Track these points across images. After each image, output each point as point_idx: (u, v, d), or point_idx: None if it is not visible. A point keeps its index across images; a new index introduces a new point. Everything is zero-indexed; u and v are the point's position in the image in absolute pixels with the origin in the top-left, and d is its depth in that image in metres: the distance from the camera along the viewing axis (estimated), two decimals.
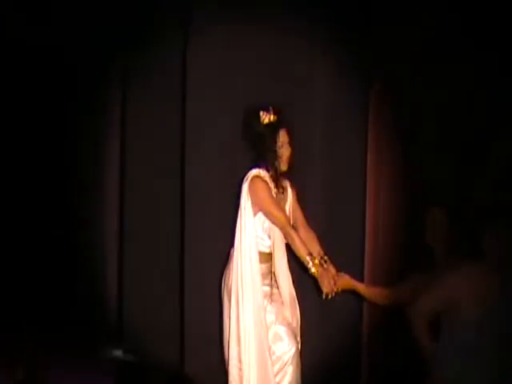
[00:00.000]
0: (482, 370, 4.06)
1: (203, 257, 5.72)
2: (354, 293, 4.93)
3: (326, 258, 4.58)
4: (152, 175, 6.03)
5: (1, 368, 5.66)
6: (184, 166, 5.81)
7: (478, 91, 5.39)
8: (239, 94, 5.67)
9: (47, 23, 6.28)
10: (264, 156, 4.62)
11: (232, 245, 4.66)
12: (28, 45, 6.42)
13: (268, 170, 4.62)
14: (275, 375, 4.56)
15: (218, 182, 5.65)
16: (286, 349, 4.58)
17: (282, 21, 5.62)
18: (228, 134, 5.56)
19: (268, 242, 4.66)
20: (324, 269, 4.49)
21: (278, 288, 4.71)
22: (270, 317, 4.62)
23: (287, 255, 4.74)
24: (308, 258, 4.43)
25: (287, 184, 4.76)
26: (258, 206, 4.56)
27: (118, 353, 6.15)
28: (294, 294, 4.75)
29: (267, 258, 4.67)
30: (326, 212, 5.72)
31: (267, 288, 4.66)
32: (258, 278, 4.55)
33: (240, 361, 4.53)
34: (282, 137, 4.62)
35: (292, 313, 4.73)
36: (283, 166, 4.65)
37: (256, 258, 4.56)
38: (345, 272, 4.76)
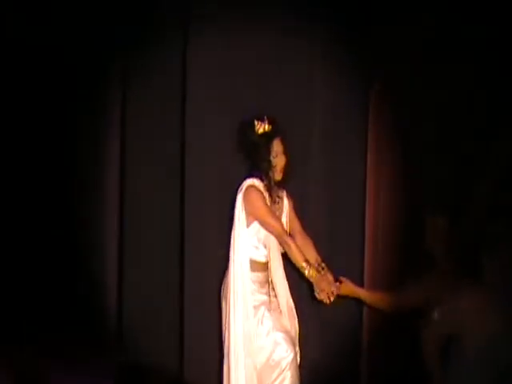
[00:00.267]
0: None
1: (203, 257, 5.72)
2: (354, 298, 4.92)
3: (323, 264, 4.59)
4: (152, 175, 6.03)
5: (1, 368, 5.69)
6: (184, 166, 5.81)
7: (478, 91, 5.39)
8: (239, 94, 5.67)
9: (47, 23, 6.27)
10: (258, 166, 4.62)
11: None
12: (28, 45, 6.40)
13: (262, 180, 4.61)
14: (273, 381, 4.56)
15: (218, 182, 5.65)
16: (284, 354, 4.58)
17: (282, 21, 5.62)
18: (228, 134, 5.56)
19: (264, 252, 4.67)
20: (321, 275, 4.50)
21: (275, 297, 4.71)
22: (268, 324, 4.62)
23: (284, 264, 4.74)
24: (304, 265, 4.45)
25: (283, 194, 4.77)
26: (253, 216, 4.57)
27: (118, 358, 6.15)
28: (292, 303, 4.76)
29: (264, 267, 4.68)
30: (325, 212, 5.72)
31: (265, 297, 4.67)
32: (248, 288, 4.56)
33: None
34: (276, 146, 4.62)
35: (290, 322, 4.73)
36: (277, 176, 4.66)
37: (247, 268, 4.58)
38: (345, 274, 4.76)
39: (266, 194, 4.62)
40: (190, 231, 5.81)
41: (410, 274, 4.93)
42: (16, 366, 5.73)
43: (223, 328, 4.68)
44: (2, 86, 6.43)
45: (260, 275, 4.66)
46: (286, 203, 4.77)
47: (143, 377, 5.73)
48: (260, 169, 4.62)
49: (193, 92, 5.79)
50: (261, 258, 4.67)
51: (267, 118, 4.61)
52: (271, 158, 4.60)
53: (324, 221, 5.68)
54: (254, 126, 4.60)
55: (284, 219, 4.75)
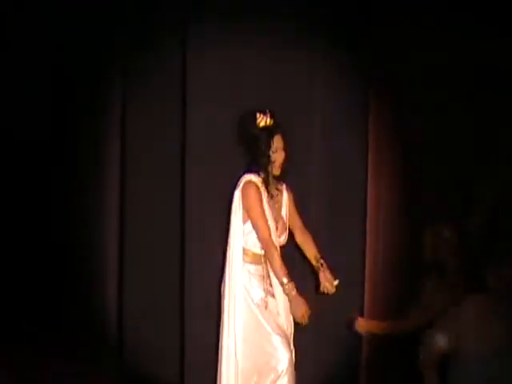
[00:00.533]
0: None
1: (204, 258, 5.71)
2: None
3: (321, 261, 4.59)
4: (152, 175, 6.03)
5: (1, 368, 5.70)
6: (184, 166, 5.81)
7: (478, 91, 5.39)
8: (239, 94, 5.67)
9: (47, 23, 6.27)
10: (257, 160, 4.61)
11: None
12: (28, 44, 6.40)
13: (260, 175, 4.60)
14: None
15: (218, 182, 5.64)
16: (281, 358, 4.55)
17: (282, 21, 5.61)
18: (228, 134, 5.56)
19: (260, 244, 4.65)
20: (321, 271, 4.50)
21: (273, 296, 4.70)
22: (265, 325, 4.60)
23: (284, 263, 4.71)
24: (285, 280, 4.45)
25: (282, 187, 4.76)
26: (247, 212, 4.56)
27: (118, 369, 6.15)
28: (288, 301, 4.73)
29: (263, 259, 4.65)
30: (326, 213, 5.72)
31: (263, 294, 4.65)
32: (245, 283, 4.55)
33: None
34: (277, 142, 4.61)
35: (286, 320, 4.71)
36: (275, 171, 4.65)
37: (240, 265, 4.57)
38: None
39: (264, 190, 4.61)
40: (191, 232, 5.80)
41: (411, 278, 4.92)
42: (16, 366, 5.76)
43: (220, 328, 4.67)
44: (1, 85, 6.43)
45: (259, 268, 4.64)
46: (285, 196, 4.77)
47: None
48: (259, 163, 4.61)
49: (193, 92, 5.78)
50: (258, 249, 4.65)
51: (269, 111, 4.60)
52: (271, 153, 4.60)
53: (324, 221, 5.67)
54: (255, 118, 4.60)
55: (283, 212, 4.74)
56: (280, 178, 4.73)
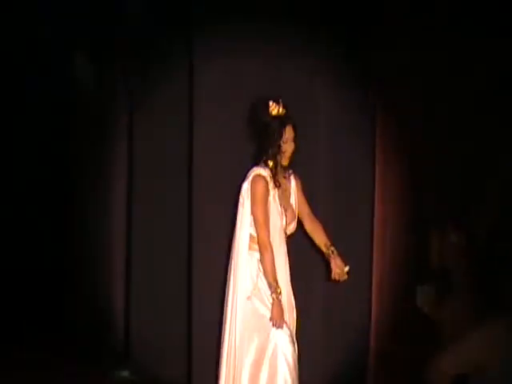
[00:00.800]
0: None
1: (211, 259, 5.68)
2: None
3: (332, 248, 4.56)
4: (159, 177, 6.04)
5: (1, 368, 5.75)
6: (191, 168, 5.81)
7: (484, 102, 5.36)
8: (243, 95, 5.66)
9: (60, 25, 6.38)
10: (266, 149, 4.59)
11: None
12: (33, 47, 6.49)
13: (268, 165, 4.59)
14: (272, 379, 4.52)
15: (225, 184, 5.63)
16: (286, 351, 4.52)
17: (282, 21, 5.62)
18: (234, 137, 5.56)
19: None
20: (332, 258, 4.50)
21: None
22: (268, 320, 4.58)
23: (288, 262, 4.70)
24: (274, 284, 4.43)
25: (290, 175, 4.74)
26: (251, 207, 4.55)
27: (125, 373, 6.17)
28: (292, 295, 4.70)
29: None
30: (334, 225, 5.65)
31: (266, 287, 4.63)
32: (246, 273, 4.53)
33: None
34: (288, 133, 4.58)
35: (289, 314, 4.68)
36: (284, 162, 4.61)
37: (246, 255, 4.55)
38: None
39: (271, 183, 4.60)
40: (198, 232, 5.78)
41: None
42: (16, 366, 5.81)
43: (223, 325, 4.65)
44: (10, 90, 6.53)
45: None
46: (293, 184, 4.72)
47: None
48: (268, 152, 4.58)
49: (200, 92, 5.78)
50: None
51: (282, 101, 4.60)
52: (282, 143, 4.59)
53: (332, 233, 5.64)
54: (268, 106, 4.58)
55: (292, 200, 4.72)
56: (287, 167, 4.72)
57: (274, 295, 4.44)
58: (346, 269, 4.52)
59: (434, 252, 4.93)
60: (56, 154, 6.76)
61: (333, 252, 4.53)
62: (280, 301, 4.44)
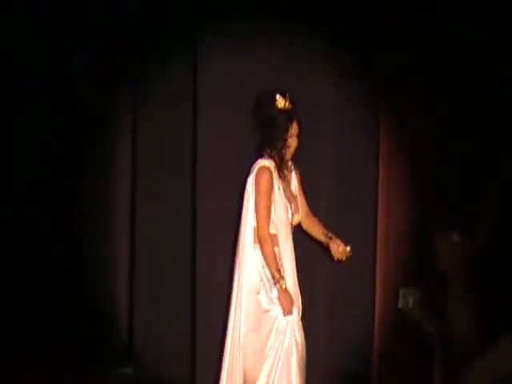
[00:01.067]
0: None
1: (215, 260, 5.68)
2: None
3: (330, 234, 4.57)
4: (163, 176, 6.04)
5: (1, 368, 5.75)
6: (196, 166, 5.81)
7: (484, 102, 5.35)
8: (247, 94, 5.65)
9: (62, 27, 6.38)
10: (271, 142, 4.57)
11: None
12: (33, 47, 6.48)
13: (272, 157, 4.59)
14: (279, 370, 4.49)
15: (229, 184, 5.62)
16: (291, 342, 4.51)
17: (282, 22, 5.61)
18: (239, 137, 5.56)
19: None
20: (332, 242, 4.49)
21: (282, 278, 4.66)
22: (276, 309, 4.57)
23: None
24: (277, 275, 4.43)
25: (292, 166, 4.74)
26: (255, 199, 4.55)
27: (128, 370, 6.18)
28: (297, 285, 4.68)
29: (275, 240, 4.62)
30: (336, 224, 5.66)
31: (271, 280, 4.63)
32: (251, 266, 4.53)
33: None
34: (294, 128, 4.59)
35: (295, 304, 4.68)
36: (288, 156, 4.62)
37: (252, 249, 4.54)
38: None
39: (276, 174, 4.60)
40: (202, 233, 5.78)
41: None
42: (16, 366, 5.80)
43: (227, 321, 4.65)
44: (14, 91, 6.53)
45: (276, 249, 4.61)
46: (293, 175, 4.76)
47: None
48: (272, 146, 4.57)
49: (203, 91, 5.78)
50: (273, 230, 4.62)
51: (289, 96, 4.59)
52: (287, 138, 4.58)
53: (335, 229, 5.62)
54: (274, 99, 4.57)
55: (294, 189, 4.73)
56: (289, 161, 4.72)
57: (277, 285, 4.44)
58: (348, 248, 4.51)
59: (435, 252, 4.92)
60: (56, 153, 6.75)
61: (331, 238, 4.54)
62: (286, 288, 4.43)
